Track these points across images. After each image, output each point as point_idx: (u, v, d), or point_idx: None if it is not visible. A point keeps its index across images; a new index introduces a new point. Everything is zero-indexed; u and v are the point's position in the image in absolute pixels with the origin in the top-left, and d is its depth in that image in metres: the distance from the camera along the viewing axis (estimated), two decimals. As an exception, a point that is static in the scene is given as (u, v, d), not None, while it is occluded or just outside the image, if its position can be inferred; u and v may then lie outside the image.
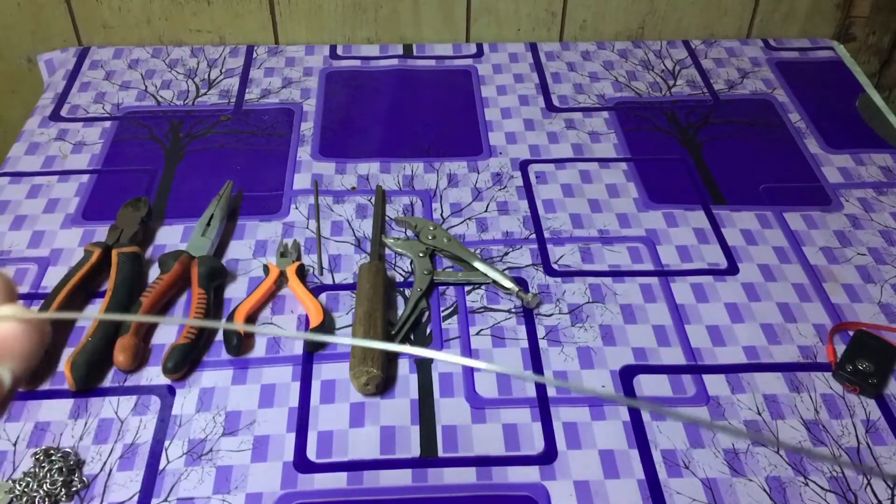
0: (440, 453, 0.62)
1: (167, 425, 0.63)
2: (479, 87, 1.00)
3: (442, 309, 0.73)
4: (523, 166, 0.88)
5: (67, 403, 0.64)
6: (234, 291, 0.74)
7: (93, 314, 0.71)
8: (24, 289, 0.74)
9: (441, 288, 0.75)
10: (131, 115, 0.94)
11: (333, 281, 0.75)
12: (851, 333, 0.71)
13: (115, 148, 0.90)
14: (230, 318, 0.69)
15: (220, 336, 0.69)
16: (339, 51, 1.05)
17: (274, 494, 0.59)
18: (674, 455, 0.62)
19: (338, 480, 0.60)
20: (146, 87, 0.99)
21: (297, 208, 0.82)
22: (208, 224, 0.78)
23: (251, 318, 0.71)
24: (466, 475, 0.60)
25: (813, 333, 0.71)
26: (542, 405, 0.65)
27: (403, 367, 0.68)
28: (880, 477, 0.57)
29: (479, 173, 0.87)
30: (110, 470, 0.60)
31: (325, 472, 0.60)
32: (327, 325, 0.70)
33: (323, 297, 0.73)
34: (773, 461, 0.61)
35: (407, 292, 0.74)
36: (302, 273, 0.75)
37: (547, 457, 0.61)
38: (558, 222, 0.81)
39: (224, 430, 0.63)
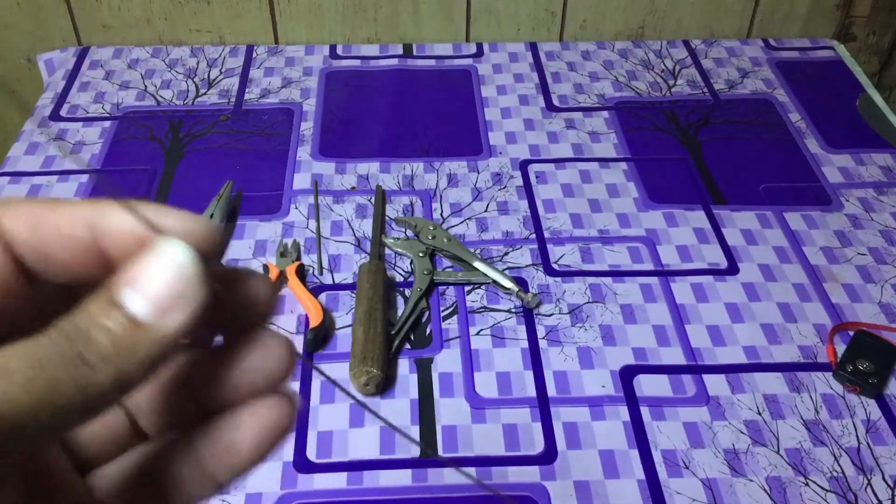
0: (440, 453, 0.62)
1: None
2: (479, 86, 1.00)
3: (442, 309, 0.73)
4: (523, 166, 0.88)
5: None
6: (234, 291, 0.74)
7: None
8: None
9: (441, 288, 0.75)
10: (131, 115, 0.94)
11: (333, 281, 0.75)
12: (851, 333, 0.71)
13: (114, 148, 0.90)
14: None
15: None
16: (339, 51, 1.05)
17: (274, 494, 0.59)
18: (674, 455, 0.62)
19: (338, 480, 0.60)
20: (146, 86, 0.99)
21: (296, 208, 0.82)
22: (208, 224, 0.78)
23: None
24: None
25: (813, 333, 0.71)
26: (542, 405, 0.65)
27: (403, 366, 0.68)
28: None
29: (479, 173, 0.87)
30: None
31: (325, 472, 0.60)
32: (327, 325, 0.70)
33: (323, 296, 0.73)
34: (773, 461, 0.61)
35: (407, 292, 0.74)
36: (302, 273, 0.75)
37: (547, 457, 0.61)
38: (558, 222, 0.81)
39: (224, 430, 0.63)
